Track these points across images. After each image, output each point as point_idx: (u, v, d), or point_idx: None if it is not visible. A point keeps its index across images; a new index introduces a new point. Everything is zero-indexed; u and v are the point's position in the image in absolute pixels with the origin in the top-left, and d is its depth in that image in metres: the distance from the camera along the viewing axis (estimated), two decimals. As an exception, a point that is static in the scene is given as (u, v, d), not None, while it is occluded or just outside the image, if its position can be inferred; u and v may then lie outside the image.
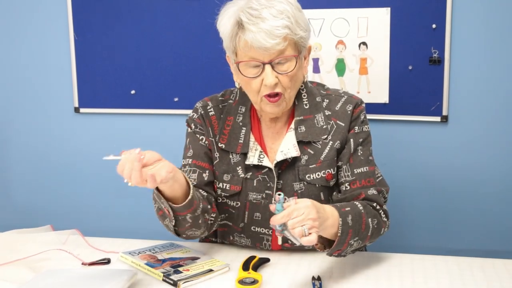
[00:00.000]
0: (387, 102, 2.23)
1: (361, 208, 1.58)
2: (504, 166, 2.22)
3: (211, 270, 1.60)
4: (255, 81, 1.59)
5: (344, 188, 1.68)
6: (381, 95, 2.23)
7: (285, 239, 1.46)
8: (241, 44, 1.57)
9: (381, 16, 2.19)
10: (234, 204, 1.72)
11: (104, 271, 1.61)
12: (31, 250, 1.75)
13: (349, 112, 1.69)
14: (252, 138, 1.71)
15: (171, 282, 1.54)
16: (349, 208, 1.55)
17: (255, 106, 1.68)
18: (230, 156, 1.71)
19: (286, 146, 1.67)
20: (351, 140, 1.68)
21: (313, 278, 1.54)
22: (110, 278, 1.49)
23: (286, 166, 1.68)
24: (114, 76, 2.47)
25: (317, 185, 1.68)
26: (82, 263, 1.70)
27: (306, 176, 1.67)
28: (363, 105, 1.73)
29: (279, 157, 1.66)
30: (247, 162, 1.69)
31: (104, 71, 2.48)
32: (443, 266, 1.64)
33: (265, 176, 1.69)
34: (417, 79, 2.20)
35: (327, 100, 1.72)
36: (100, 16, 2.43)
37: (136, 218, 2.56)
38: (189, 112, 2.43)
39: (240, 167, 1.70)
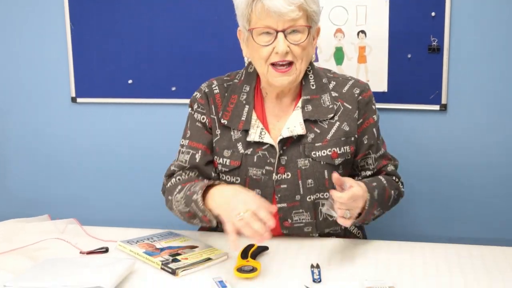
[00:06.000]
0: (386, 90, 2.22)
1: (384, 182, 1.72)
2: (504, 154, 2.21)
3: (209, 259, 1.59)
4: (266, 48, 1.64)
5: (369, 174, 1.79)
6: (380, 84, 2.22)
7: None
8: (258, 10, 1.63)
9: (380, 4, 2.17)
10: (234, 180, 1.74)
11: (102, 260, 1.61)
12: (29, 239, 1.75)
13: (356, 95, 1.75)
14: (254, 116, 1.74)
15: (170, 270, 1.53)
16: (375, 183, 1.68)
17: (262, 78, 1.74)
18: (232, 133, 1.75)
19: (293, 124, 1.71)
20: (374, 130, 1.78)
21: (312, 266, 1.54)
22: (109, 266, 1.49)
23: (291, 143, 1.71)
24: (111, 65, 2.45)
25: (322, 163, 1.71)
26: (80, 252, 1.69)
27: (312, 153, 1.71)
28: (371, 90, 1.80)
29: (285, 134, 1.70)
30: (248, 139, 1.72)
31: (101, 60, 2.46)
32: (443, 254, 1.63)
33: (266, 153, 1.72)
34: (416, 68, 2.19)
35: (334, 83, 1.77)
36: (97, 5, 2.41)
37: (134, 208, 2.55)
38: (186, 101, 2.43)
39: (240, 143, 1.73)
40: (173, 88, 2.42)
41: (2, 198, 2.67)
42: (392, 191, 1.74)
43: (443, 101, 2.20)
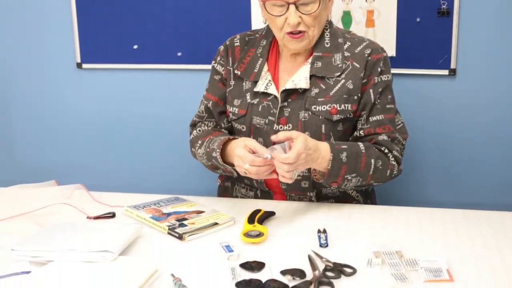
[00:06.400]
0: (394, 55, 2.19)
1: (362, 148, 1.70)
2: (512, 118, 2.19)
3: (216, 224, 1.59)
4: (279, 19, 1.70)
5: (358, 135, 1.77)
6: (388, 48, 2.16)
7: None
8: None
9: (389, -34, 2.13)
10: (241, 127, 1.83)
11: (109, 225, 1.61)
12: (36, 205, 1.75)
13: (365, 55, 1.75)
14: (265, 69, 1.81)
15: (176, 235, 1.53)
16: (345, 147, 1.67)
17: (279, 42, 1.79)
18: (244, 84, 1.83)
19: (298, 78, 1.76)
20: (371, 91, 1.75)
21: (319, 231, 1.54)
22: (116, 231, 1.49)
23: (296, 96, 1.76)
24: (116, 30, 2.43)
25: (320, 117, 1.74)
26: (87, 217, 1.70)
27: (312, 107, 1.74)
28: (385, 54, 1.78)
29: (289, 86, 1.75)
30: (255, 89, 1.79)
31: (106, 26, 2.43)
32: (450, 219, 1.63)
33: (270, 103, 1.77)
34: (425, 32, 2.15)
35: (349, 43, 1.79)
36: (101, -31, 2.38)
37: (141, 174, 2.55)
38: (192, 67, 2.42)
39: (249, 93, 1.81)
40: (179, 54, 2.39)
41: (9, 165, 2.68)
42: (373, 160, 1.69)
43: (452, 66, 2.17)
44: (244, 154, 1.59)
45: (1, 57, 2.57)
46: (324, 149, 1.64)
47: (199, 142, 1.82)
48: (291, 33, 1.70)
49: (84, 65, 2.50)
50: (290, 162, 1.53)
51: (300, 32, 1.70)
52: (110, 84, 2.51)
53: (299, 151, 1.53)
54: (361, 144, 1.71)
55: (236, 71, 1.84)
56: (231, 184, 1.93)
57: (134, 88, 2.49)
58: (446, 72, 2.18)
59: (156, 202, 1.75)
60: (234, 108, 1.83)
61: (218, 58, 1.90)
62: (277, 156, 1.55)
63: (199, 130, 1.89)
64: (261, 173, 1.60)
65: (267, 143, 1.73)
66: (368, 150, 1.70)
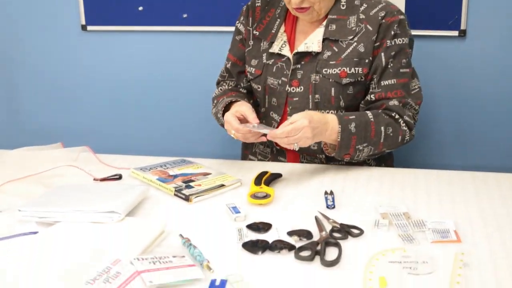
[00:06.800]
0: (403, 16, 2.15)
1: (370, 116, 1.68)
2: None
3: (222, 185, 1.59)
4: None
5: (369, 99, 1.75)
6: (397, 9, 2.15)
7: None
8: None
9: None
10: (257, 87, 1.87)
11: (116, 186, 1.61)
12: (42, 167, 1.75)
13: (379, 18, 1.72)
14: (282, 29, 1.82)
15: (183, 196, 1.53)
16: (354, 117, 1.67)
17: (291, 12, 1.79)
18: (261, 44, 1.85)
19: (311, 40, 1.76)
20: (382, 54, 1.72)
21: (326, 192, 1.53)
22: (122, 192, 1.48)
23: (309, 59, 1.76)
24: (121, -8, 2.40)
25: (330, 80, 1.73)
26: (94, 179, 1.70)
27: (323, 70, 1.74)
28: (401, 16, 1.75)
29: (301, 48, 1.76)
30: (270, 50, 1.82)
31: (110, -13, 2.41)
32: (458, 181, 1.62)
33: (284, 64, 1.79)
34: (434, -8, 2.12)
35: (365, 5, 1.76)
36: None
37: (146, 137, 2.55)
38: (197, 28, 2.39)
39: (265, 53, 1.83)
40: (184, 15, 2.37)
41: (15, 128, 2.68)
42: (382, 128, 1.68)
43: (462, 27, 2.13)
44: (231, 121, 1.65)
45: (6, 20, 2.55)
46: (332, 121, 1.64)
47: (215, 101, 1.90)
48: (297, 7, 1.70)
49: (89, 27, 2.48)
50: (280, 137, 1.57)
51: (305, 7, 1.70)
52: (115, 46, 2.49)
53: (295, 126, 1.55)
54: (369, 113, 1.69)
55: (254, 32, 1.86)
56: None
57: (139, 50, 2.47)
58: (456, 33, 2.15)
59: (162, 164, 1.75)
60: (252, 68, 1.86)
61: (241, 18, 1.92)
62: (271, 133, 1.58)
63: (220, 89, 1.95)
64: (248, 138, 1.66)
65: (280, 104, 1.80)
66: (377, 118, 1.68)
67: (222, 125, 1.79)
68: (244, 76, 1.93)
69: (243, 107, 1.70)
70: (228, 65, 1.95)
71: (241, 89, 1.94)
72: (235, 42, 1.94)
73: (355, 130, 1.64)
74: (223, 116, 1.75)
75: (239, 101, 1.78)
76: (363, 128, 1.65)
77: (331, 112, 1.74)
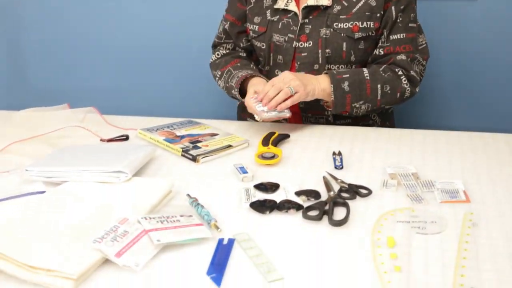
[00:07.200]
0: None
1: (366, 74, 1.68)
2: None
3: (230, 146, 1.58)
4: None
5: (377, 53, 1.75)
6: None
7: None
8: None
9: None
10: (261, 45, 1.84)
11: (123, 146, 1.61)
12: (49, 128, 1.74)
13: None
14: None
15: (190, 157, 1.52)
16: (347, 75, 1.67)
17: None
18: (264, 1, 1.83)
19: None
20: (393, 8, 1.72)
21: (334, 153, 1.52)
22: (129, 152, 1.47)
23: (318, 13, 1.74)
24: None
25: (342, 34, 1.72)
26: (101, 140, 1.69)
27: (334, 24, 1.73)
28: None
29: (311, 2, 1.73)
30: (275, 6, 1.79)
31: None
32: (467, 141, 1.61)
33: (290, 20, 1.77)
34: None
35: None
36: None
37: (153, 97, 2.54)
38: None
39: (269, 10, 1.81)
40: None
41: (21, 89, 2.67)
42: (379, 85, 1.68)
43: (474, -13, 2.09)
44: (252, 106, 1.64)
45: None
46: (323, 79, 1.67)
47: (219, 72, 1.87)
48: None
49: (93, -13, 2.45)
50: (267, 90, 1.60)
51: None
52: (120, 7, 2.45)
53: (275, 78, 1.62)
54: (365, 70, 1.69)
55: None
56: None
57: (144, 11, 2.44)
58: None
59: (169, 125, 1.74)
60: (254, 26, 1.84)
61: None
62: (258, 96, 1.63)
63: (218, 54, 1.92)
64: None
65: (286, 61, 1.78)
66: (373, 76, 1.68)
67: (235, 98, 1.82)
68: (244, 37, 1.90)
69: (259, 86, 1.67)
70: (226, 26, 1.90)
71: (240, 53, 1.92)
72: (234, 2, 1.90)
73: (348, 88, 1.66)
74: (240, 95, 1.77)
75: (253, 76, 1.76)
76: (357, 86, 1.67)
77: (341, 67, 1.74)
